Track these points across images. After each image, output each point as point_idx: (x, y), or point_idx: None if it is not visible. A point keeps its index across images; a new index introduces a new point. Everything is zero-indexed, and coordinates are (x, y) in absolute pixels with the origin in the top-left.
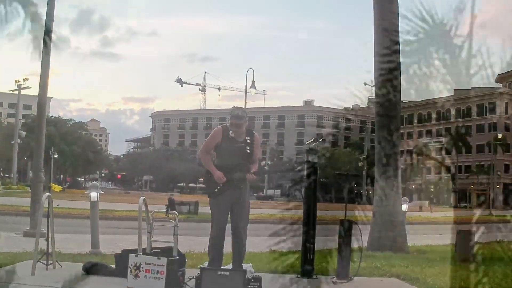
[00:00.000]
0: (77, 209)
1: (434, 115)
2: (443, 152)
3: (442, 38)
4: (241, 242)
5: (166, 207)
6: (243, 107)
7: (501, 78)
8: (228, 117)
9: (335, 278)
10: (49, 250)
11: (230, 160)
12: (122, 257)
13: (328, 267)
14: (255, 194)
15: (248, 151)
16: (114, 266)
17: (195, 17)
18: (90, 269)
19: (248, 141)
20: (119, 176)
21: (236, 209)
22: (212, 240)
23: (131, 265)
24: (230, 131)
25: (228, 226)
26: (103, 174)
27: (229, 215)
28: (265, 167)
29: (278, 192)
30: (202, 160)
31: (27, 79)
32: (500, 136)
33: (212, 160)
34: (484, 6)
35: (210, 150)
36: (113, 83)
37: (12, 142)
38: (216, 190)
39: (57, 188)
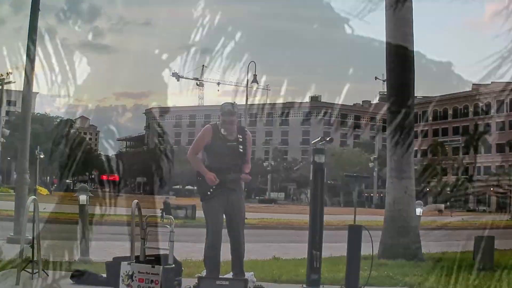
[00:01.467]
0: (65, 213)
1: (450, 112)
2: (461, 152)
3: (459, 27)
4: (239, 247)
5: (161, 211)
6: (244, 103)
7: None
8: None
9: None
10: (35, 258)
11: (222, 161)
12: (113, 265)
13: (336, 276)
14: (257, 198)
15: (241, 150)
16: (104, 275)
17: (193, 6)
18: (79, 278)
19: (241, 139)
20: (110, 177)
21: (231, 213)
22: (208, 247)
23: (123, 273)
24: (222, 129)
25: (225, 231)
26: (93, 176)
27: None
28: (268, 168)
29: (282, 195)
30: (191, 162)
31: (10, 73)
32: None
33: (203, 162)
34: None
35: (199, 151)
36: (104, 77)
37: None
38: (209, 193)
39: (43, 190)
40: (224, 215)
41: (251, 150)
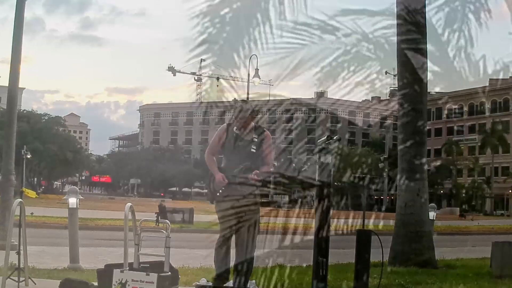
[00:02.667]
0: (53, 217)
1: (466, 109)
2: (477, 151)
3: (477, 16)
4: (246, 254)
5: (156, 215)
6: (246, 99)
7: None
8: (229, 112)
9: None
10: (21, 265)
11: (233, 161)
12: (105, 273)
13: (343, 284)
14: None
15: (253, 150)
16: (96, 284)
17: None
18: (68, 287)
19: (256, 139)
20: (102, 179)
21: (241, 216)
22: (216, 250)
23: (116, 282)
24: (235, 128)
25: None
26: (83, 177)
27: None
28: (271, 169)
29: (285, 197)
30: (206, 161)
31: None
32: None
33: (221, 163)
34: None
35: (216, 151)
36: (95, 71)
37: None
38: (218, 194)
39: (30, 193)
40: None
41: (271, 151)
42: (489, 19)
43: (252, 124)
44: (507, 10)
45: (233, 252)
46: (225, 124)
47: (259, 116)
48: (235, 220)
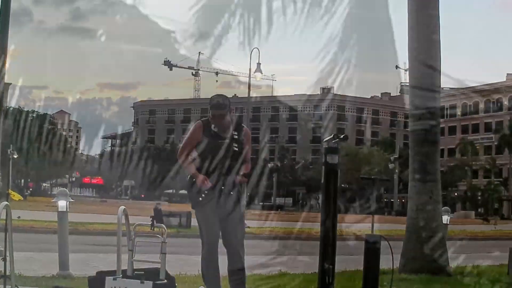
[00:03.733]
0: (41, 221)
1: (482, 106)
2: (493, 151)
3: (491, 10)
4: (237, 260)
5: (151, 219)
6: (247, 95)
7: None
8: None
9: None
10: (7, 273)
11: (214, 161)
12: (97, 281)
13: None
14: (260, 203)
15: (236, 148)
16: None
17: None
18: None
19: (236, 136)
20: (93, 180)
21: (227, 221)
22: (204, 260)
23: None
24: (212, 125)
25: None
26: (73, 179)
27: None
28: (274, 170)
29: (289, 200)
30: (182, 164)
31: None
32: None
33: (196, 163)
34: None
35: (190, 151)
36: (86, 66)
37: None
38: (200, 198)
39: (16, 196)
40: (219, 223)
41: (250, 149)
42: (504, 12)
43: (230, 120)
44: None
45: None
46: (200, 121)
47: (240, 112)
48: (220, 226)
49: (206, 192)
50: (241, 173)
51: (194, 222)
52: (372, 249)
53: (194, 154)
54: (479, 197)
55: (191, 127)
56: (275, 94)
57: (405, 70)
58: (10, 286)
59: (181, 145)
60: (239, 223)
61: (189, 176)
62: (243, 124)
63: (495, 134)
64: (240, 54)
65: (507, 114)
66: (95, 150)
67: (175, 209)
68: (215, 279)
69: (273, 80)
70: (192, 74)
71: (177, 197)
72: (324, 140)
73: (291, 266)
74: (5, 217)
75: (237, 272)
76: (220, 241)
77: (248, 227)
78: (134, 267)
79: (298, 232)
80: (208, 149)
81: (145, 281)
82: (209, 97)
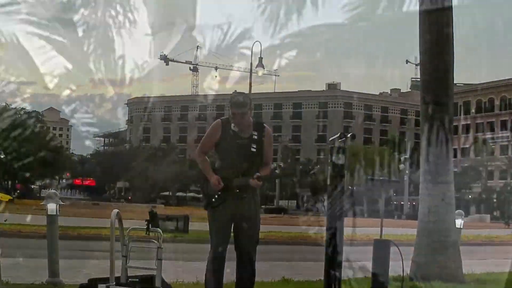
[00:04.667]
0: (30, 225)
1: (497, 103)
2: (510, 150)
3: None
4: (248, 267)
5: (146, 222)
6: (248, 91)
7: None
8: (228, 105)
9: None
10: None
11: (231, 162)
12: None
13: None
14: (263, 206)
15: (254, 149)
16: None
17: None
18: None
19: (255, 137)
20: (85, 182)
21: (241, 225)
22: (210, 264)
23: None
24: (232, 125)
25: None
26: (64, 180)
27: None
28: (276, 171)
29: (293, 203)
30: (198, 163)
31: None
32: None
33: (213, 163)
34: None
35: (208, 150)
36: (77, 60)
37: None
38: (213, 200)
39: (3, 197)
40: (232, 228)
41: (271, 150)
42: None
43: (251, 119)
44: None
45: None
46: (219, 120)
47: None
48: (232, 230)
49: (219, 193)
50: (256, 175)
51: (192, 226)
52: (381, 255)
53: (214, 154)
54: (495, 200)
55: (211, 125)
56: (277, 90)
57: (416, 65)
58: None
59: (199, 143)
60: (254, 227)
61: (203, 176)
62: (265, 124)
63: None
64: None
65: None
66: (87, 150)
67: (172, 212)
68: (219, 286)
69: (275, 75)
70: (190, 69)
71: (174, 200)
72: (330, 139)
73: (295, 273)
74: None
75: (247, 278)
76: (230, 247)
77: None
78: (128, 274)
79: (302, 236)
80: (226, 149)
81: None
82: (208, 93)
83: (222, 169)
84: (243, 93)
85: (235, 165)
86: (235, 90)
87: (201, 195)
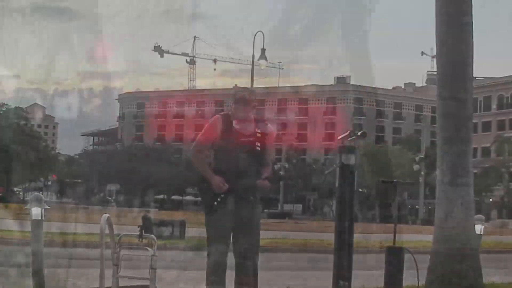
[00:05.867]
0: (12, 231)
1: None
2: None
3: None
4: (250, 277)
5: (139, 228)
6: (251, 86)
7: None
8: (228, 101)
9: None
10: None
11: (233, 162)
12: None
13: None
14: (266, 211)
15: (259, 148)
16: None
17: None
18: None
19: (259, 135)
20: (72, 184)
21: (243, 231)
22: (211, 274)
23: None
24: (234, 121)
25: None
26: (49, 182)
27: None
28: (280, 172)
29: (298, 207)
30: (194, 162)
31: None
32: None
33: (209, 162)
34: None
35: (205, 148)
36: (64, 52)
37: None
38: (215, 203)
39: None
40: (232, 233)
41: (273, 149)
42: None
43: (253, 115)
44: None
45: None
46: (219, 115)
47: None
48: (233, 236)
49: (222, 196)
50: (263, 176)
51: (188, 232)
52: (394, 263)
53: (210, 152)
54: None
55: (209, 121)
56: (282, 84)
57: (432, 57)
58: None
59: (195, 141)
60: (256, 233)
61: (200, 177)
62: (267, 121)
63: None
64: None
65: None
66: (75, 150)
67: (167, 217)
68: None
69: (280, 68)
70: (187, 62)
71: (169, 204)
72: (339, 137)
73: (301, 283)
74: None
75: (248, 285)
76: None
77: None
78: (120, 284)
79: (309, 243)
80: (228, 148)
81: None
82: (206, 88)
83: (223, 169)
84: (248, 88)
85: (239, 165)
86: (236, 85)
87: (198, 198)
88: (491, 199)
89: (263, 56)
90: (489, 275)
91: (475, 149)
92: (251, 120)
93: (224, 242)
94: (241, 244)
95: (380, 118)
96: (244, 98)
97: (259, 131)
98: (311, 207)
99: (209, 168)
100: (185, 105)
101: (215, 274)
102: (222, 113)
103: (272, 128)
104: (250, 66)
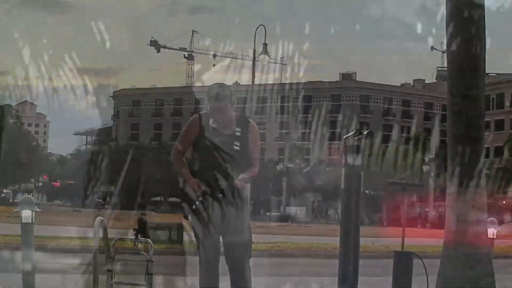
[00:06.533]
0: (1, 235)
1: None
2: None
3: None
4: (242, 282)
5: (135, 232)
6: (252, 82)
7: None
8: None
9: None
10: None
11: (212, 162)
12: None
13: None
14: (268, 213)
15: (237, 147)
16: None
17: None
18: None
19: (238, 133)
20: (64, 185)
21: (229, 234)
22: (202, 280)
23: None
24: (211, 120)
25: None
26: (40, 184)
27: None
28: (283, 173)
29: (302, 210)
30: (173, 164)
31: None
32: None
33: (193, 163)
34: None
35: (185, 150)
36: (57, 46)
37: None
38: (194, 206)
39: None
40: (220, 238)
41: (258, 148)
42: None
43: (233, 114)
44: None
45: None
46: (197, 114)
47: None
48: (220, 240)
49: (200, 198)
50: (240, 176)
51: (186, 236)
52: (402, 269)
53: (193, 154)
54: None
55: (187, 122)
56: (284, 81)
57: (442, 52)
58: None
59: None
60: (244, 237)
61: (181, 179)
62: (249, 119)
63: None
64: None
65: None
66: (67, 149)
67: (164, 220)
68: None
69: (282, 64)
70: (185, 57)
71: (166, 206)
72: (345, 137)
73: None
74: None
75: None
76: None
77: (253, 242)
78: None
79: (313, 248)
80: (205, 148)
81: None
82: (205, 85)
83: (202, 171)
84: (223, 84)
85: (216, 165)
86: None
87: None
88: (504, 201)
89: (264, 51)
90: (503, 281)
91: (488, 149)
92: (231, 118)
93: (211, 248)
94: (229, 248)
95: (387, 116)
96: (218, 95)
97: (238, 129)
98: (315, 210)
99: (188, 170)
100: (182, 103)
101: (206, 280)
102: (202, 112)
103: (254, 125)
104: (251, 62)
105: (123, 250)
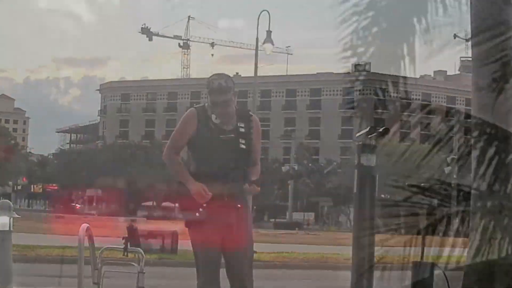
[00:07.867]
0: None
1: None
2: None
3: None
4: None
5: (124, 241)
6: (254, 74)
7: None
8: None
9: None
10: None
11: (214, 163)
12: None
13: None
14: (272, 220)
15: (244, 146)
16: None
17: None
18: None
19: (242, 129)
20: (47, 188)
21: (232, 243)
22: None
23: None
24: (213, 115)
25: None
26: (19, 187)
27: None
28: (290, 174)
29: (310, 216)
30: (168, 167)
31: None
32: None
33: (188, 166)
34: None
35: (181, 148)
36: (38, 35)
37: None
38: (197, 214)
39: None
40: (221, 247)
41: (260, 146)
42: None
43: (234, 107)
44: None
45: None
46: (193, 108)
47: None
48: (223, 251)
49: (204, 205)
50: (252, 179)
51: (181, 245)
52: (422, 281)
53: (188, 153)
54: None
55: (182, 117)
56: (290, 72)
57: (466, 41)
58: None
59: (168, 141)
60: (247, 246)
61: (178, 183)
62: (251, 113)
63: None
64: (244, 19)
65: None
66: (49, 149)
67: (157, 227)
68: None
69: (288, 53)
70: (180, 46)
71: (159, 212)
72: (358, 135)
73: None
74: None
75: None
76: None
77: (255, 251)
78: None
79: (322, 258)
80: (207, 147)
81: None
82: (203, 76)
83: (203, 173)
84: (224, 74)
85: (221, 167)
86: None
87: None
88: None
89: (268, 39)
90: None
91: None
92: (233, 112)
93: (213, 258)
94: (232, 259)
95: (405, 111)
96: (220, 86)
97: (242, 125)
98: (324, 216)
99: (188, 172)
100: (177, 97)
101: None
102: (199, 105)
103: (256, 120)
104: (254, 51)
105: (111, 260)
